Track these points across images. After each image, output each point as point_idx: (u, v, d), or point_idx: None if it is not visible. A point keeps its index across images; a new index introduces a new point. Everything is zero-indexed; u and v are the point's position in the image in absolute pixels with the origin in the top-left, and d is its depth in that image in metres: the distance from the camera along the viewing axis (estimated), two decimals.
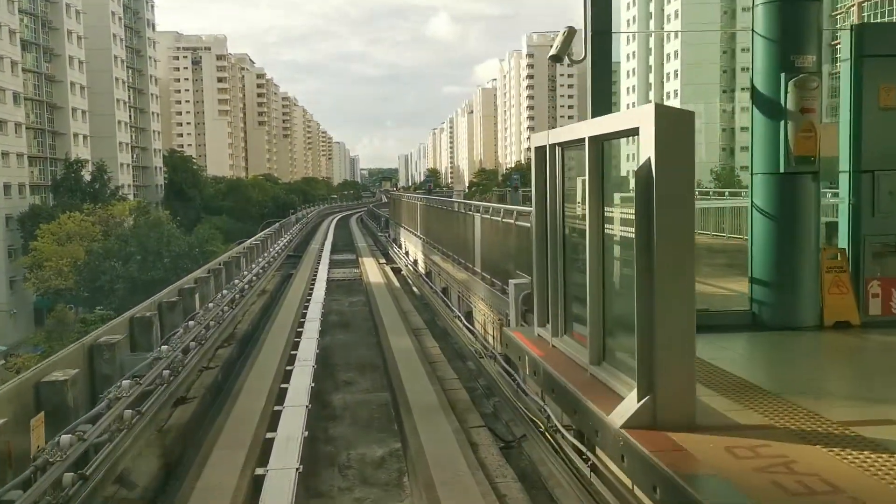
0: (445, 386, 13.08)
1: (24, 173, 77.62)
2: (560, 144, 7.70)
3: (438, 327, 19.21)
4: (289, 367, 14.14)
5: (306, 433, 10.34)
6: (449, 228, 20.16)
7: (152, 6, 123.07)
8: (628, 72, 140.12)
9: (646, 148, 5.27)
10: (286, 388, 12.58)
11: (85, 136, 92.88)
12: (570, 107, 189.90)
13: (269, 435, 10.30)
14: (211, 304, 15.16)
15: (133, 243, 57.71)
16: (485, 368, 13.30)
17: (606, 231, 6.50)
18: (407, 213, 33.59)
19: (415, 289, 26.85)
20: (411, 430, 10.75)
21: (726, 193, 29.38)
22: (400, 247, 36.51)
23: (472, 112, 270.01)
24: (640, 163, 5.33)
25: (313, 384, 12.93)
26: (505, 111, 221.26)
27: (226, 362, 14.85)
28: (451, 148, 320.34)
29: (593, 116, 8.79)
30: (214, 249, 62.31)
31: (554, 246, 7.90)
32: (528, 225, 11.61)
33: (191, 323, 12.66)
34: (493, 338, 13.91)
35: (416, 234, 29.36)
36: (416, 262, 29.35)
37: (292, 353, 15.50)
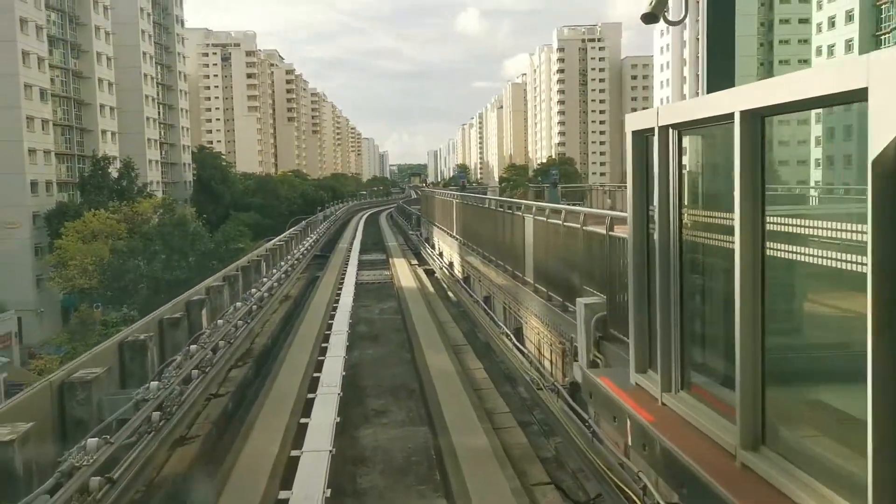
0: (496, 422, 10.94)
1: (52, 170, 76.51)
2: (678, 126, 5.48)
3: (480, 342, 17.04)
4: (311, 395, 12.08)
5: (328, 492, 8.24)
6: (491, 230, 17.96)
7: (181, 2, 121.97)
8: (662, 65, 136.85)
9: (888, 121, 3.08)
10: (306, 425, 10.53)
11: (113, 133, 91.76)
12: (603, 101, 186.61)
13: (282, 494, 8.23)
14: (221, 321, 13.09)
15: (157, 242, 56.16)
16: (542, 401, 11.11)
17: (772, 247, 4.31)
18: (441, 211, 31.41)
19: (451, 294, 24.70)
20: (459, 488, 8.61)
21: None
22: (433, 247, 34.35)
23: (501, 107, 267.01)
24: (877, 144, 3.13)
25: (338, 418, 10.85)
26: (535, 106, 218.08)
27: (238, 386, 12.80)
28: (480, 143, 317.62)
29: (710, 91, 6.60)
30: (243, 247, 60.73)
31: (665, 264, 5.69)
32: (600, 230, 9.42)
33: (193, 347, 10.58)
34: (552, 363, 11.74)
35: (451, 235, 27.18)
36: (451, 264, 27.18)
37: (315, 375, 13.44)
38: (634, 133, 6.25)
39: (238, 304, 15.16)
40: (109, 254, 57.76)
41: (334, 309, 20.84)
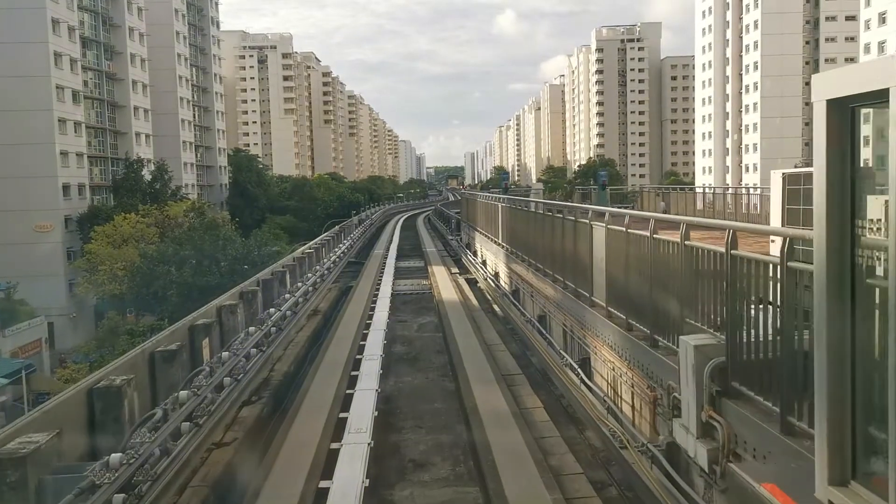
0: (567, 488, 8.58)
1: (84, 173, 75.64)
2: None
3: (535, 370, 14.64)
4: (334, 445, 9.83)
5: None
6: (548, 238, 15.55)
7: (217, 3, 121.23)
8: (704, 65, 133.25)
9: None
10: (327, 490, 8.27)
11: (147, 136, 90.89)
12: (642, 102, 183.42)
13: None
14: (226, 353, 10.85)
15: (188, 246, 54.54)
16: (625, 461, 8.71)
17: None
18: (484, 216, 28.99)
19: (496, 308, 22.33)
20: None
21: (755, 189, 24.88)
22: (475, 254, 31.95)
23: (539, 109, 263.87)
24: None
25: (366, 481, 8.59)
26: (573, 107, 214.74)
27: (248, 433, 10.57)
28: (517, 145, 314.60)
29: None
30: (279, 250, 59.01)
31: None
32: (715, 248, 7.02)
33: (183, 394, 8.34)
34: (633, 408, 9.34)
35: (496, 242, 24.77)
36: (496, 274, 24.76)
37: (341, 415, 11.19)
38: (832, 103, 3.87)
39: (251, 328, 12.90)
40: (139, 258, 56.31)
41: (367, 326, 18.61)
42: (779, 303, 5.80)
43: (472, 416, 11.52)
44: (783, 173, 10.54)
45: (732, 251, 6.59)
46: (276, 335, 14.44)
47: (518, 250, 19.93)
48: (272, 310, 14.97)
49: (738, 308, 6.57)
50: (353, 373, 13.87)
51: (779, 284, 5.73)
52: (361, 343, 16.44)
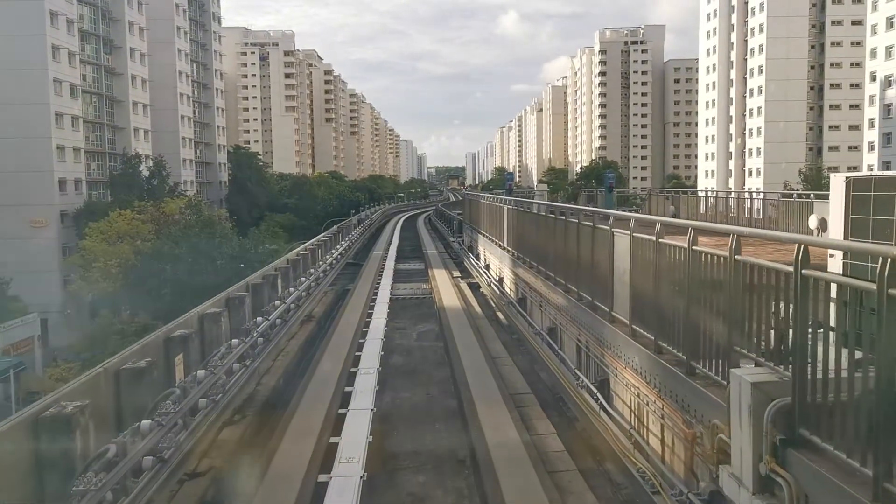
0: None
1: (81, 168, 74.52)
2: None
3: (545, 388, 13.45)
4: (322, 478, 8.69)
5: None
6: (559, 244, 14.37)
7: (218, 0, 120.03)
8: (708, 68, 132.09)
9: None
10: None
11: (146, 131, 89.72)
12: (645, 104, 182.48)
13: None
14: (202, 371, 9.65)
15: (183, 244, 53.38)
16: None
17: None
18: (488, 218, 27.77)
19: (500, 315, 21.17)
20: None
21: (812, 196, 23.51)
22: (478, 257, 30.75)
23: (541, 110, 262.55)
24: None
25: None
26: (575, 109, 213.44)
27: (226, 461, 9.39)
28: (519, 146, 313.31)
29: None
30: (276, 248, 57.91)
31: None
32: (778, 266, 5.88)
33: (144, 425, 7.14)
34: (663, 443, 8.17)
35: (500, 246, 23.57)
36: (501, 280, 23.57)
37: (332, 440, 10.04)
38: None
39: (234, 341, 11.72)
40: (133, 256, 55.14)
41: (364, 334, 17.46)
42: (872, 332, 4.65)
43: (478, 441, 10.36)
44: (847, 177, 9.32)
45: (804, 270, 5.42)
46: (264, 346, 13.26)
47: (525, 255, 18.73)
48: (259, 319, 13.78)
49: (809, 337, 5.41)
50: (347, 388, 12.74)
51: (874, 309, 4.57)
52: (357, 354, 15.31)
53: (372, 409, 11.35)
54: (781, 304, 5.86)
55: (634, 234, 9.42)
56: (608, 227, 10.63)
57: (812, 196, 22.18)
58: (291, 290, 18.42)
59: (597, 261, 11.41)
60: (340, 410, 11.42)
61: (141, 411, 8.13)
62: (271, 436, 10.23)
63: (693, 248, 7.50)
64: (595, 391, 10.47)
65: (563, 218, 13.94)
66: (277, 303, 15.90)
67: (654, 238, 8.60)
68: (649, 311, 8.92)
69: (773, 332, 6.06)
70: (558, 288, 14.15)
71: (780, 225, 22.45)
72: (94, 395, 7.63)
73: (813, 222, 19.27)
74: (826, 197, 19.91)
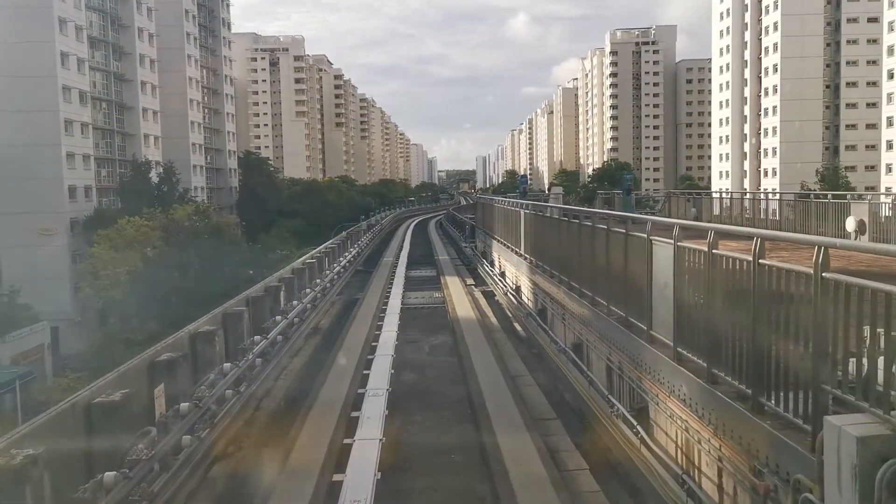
0: None
1: (91, 175, 73.94)
2: None
3: (572, 412, 12.23)
4: None
5: None
6: (585, 253, 13.13)
7: (228, 5, 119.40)
8: (721, 67, 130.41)
9: None
10: None
11: (156, 137, 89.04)
12: (657, 105, 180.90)
13: None
14: (185, 405, 8.48)
15: (192, 251, 52.49)
16: None
17: None
18: (503, 223, 26.53)
19: (518, 327, 19.97)
20: None
21: (829, 196, 22.09)
22: (492, 264, 29.52)
23: (551, 112, 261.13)
24: None
25: None
26: (587, 111, 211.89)
27: None
28: (529, 149, 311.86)
29: None
30: (288, 254, 57.00)
31: None
32: (875, 285, 4.67)
33: (108, 478, 5.98)
34: (726, 493, 6.97)
35: (517, 252, 22.33)
36: (517, 288, 22.33)
37: (336, 478, 8.88)
38: None
39: (227, 365, 10.49)
40: (141, 263, 54.27)
41: (373, 349, 16.30)
42: None
43: (500, 478, 9.17)
44: None
45: None
46: (263, 367, 12.11)
47: (545, 263, 17.49)
48: (257, 337, 12.62)
49: None
50: (354, 413, 11.57)
51: None
52: (365, 372, 14.13)
53: (381, 440, 10.17)
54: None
55: (679, 244, 8.20)
56: (645, 235, 9.42)
57: (849, 197, 20.86)
58: (295, 302, 17.27)
59: (631, 272, 10.20)
60: (346, 440, 10.25)
61: (113, 455, 7.00)
62: (267, 475, 9.06)
63: (760, 261, 6.29)
64: (634, 423, 9.23)
65: (590, 224, 12.70)
66: (279, 318, 14.75)
67: (705, 248, 7.39)
68: (700, 334, 7.70)
69: (880, 368, 4.84)
70: (584, 300, 12.92)
71: (808, 228, 21.06)
72: (56, 439, 6.51)
73: (851, 225, 17.98)
74: (863, 198, 18.56)
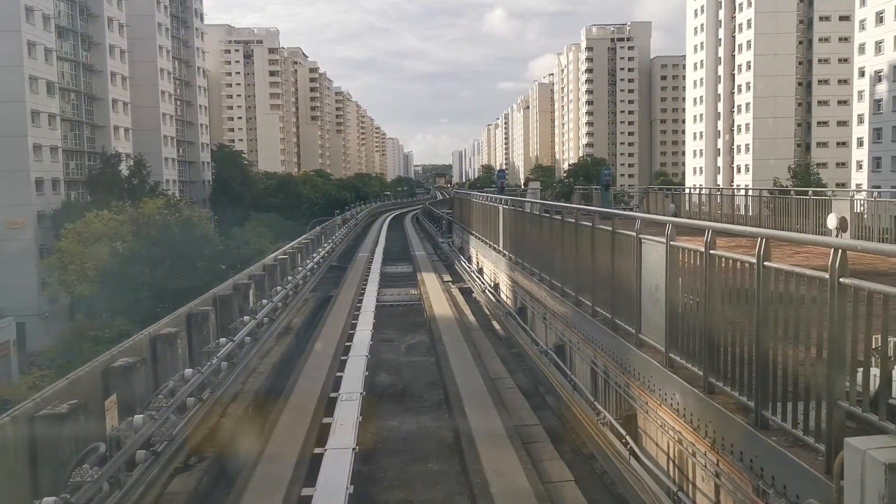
0: None
1: (59, 168, 72.46)
2: None
3: (556, 418, 11.71)
4: None
5: None
6: (567, 251, 12.63)
7: None
8: (696, 64, 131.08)
9: None
10: None
11: (126, 129, 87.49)
12: (632, 101, 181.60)
13: None
14: (140, 418, 7.83)
15: (163, 246, 51.42)
16: None
17: None
18: (481, 219, 25.99)
19: (496, 325, 19.46)
20: None
21: (810, 193, 21.87)
22: (469, 260, 28.99)
23: (528, 107, 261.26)
24: None
25: None
26: (562, 106, 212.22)
27: None
28: (506, 144, 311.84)
29: None
30: (263, 248, 56.09)
31: None
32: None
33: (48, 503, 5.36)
34: None
35: (495, 249, 21.82)
36: (496, 286, 21.82)
37: (304, 492, 8.29)
38: None
39: (188, 371, 9.85)
40: (110, 258, 53.12)
41: (346, 349, 15.70)
42: None
43: (480, 492, 8.63)
44: None
45: None
46: (229, 371, 11.47)
47: (525, 261, 16.99)
48: (223, 340, 11.98)
49: None
50: (326, 419, 10.99)
51: None
52: (338, 374, 13.54)
53: (354, 448, 9.60)
54: None
55: (672, 243, 7.70)
56: (633, 233, 8.91)
57: (830, 194, 20.57)
58: (265, 301, 16.61)
59: (618, 272, 9.70)
60: (317, 450, 9.67)
61: (59, 476, 6.38)
62: (230, 490, 8.44)
63: (765, 263, 5.79)
64: (623, 432, 8.73)
65: (573, 221, 12.19)
66: (247, 318, 14.10)
67: (702, 248, 6.90)
68: (695, 340, 7.20)
69: None
70: (567, 300, 12.41)
71: (790, 226, 20.76)
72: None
73: (832, 222, 17.66)
74: (845, 196, 18.18)
